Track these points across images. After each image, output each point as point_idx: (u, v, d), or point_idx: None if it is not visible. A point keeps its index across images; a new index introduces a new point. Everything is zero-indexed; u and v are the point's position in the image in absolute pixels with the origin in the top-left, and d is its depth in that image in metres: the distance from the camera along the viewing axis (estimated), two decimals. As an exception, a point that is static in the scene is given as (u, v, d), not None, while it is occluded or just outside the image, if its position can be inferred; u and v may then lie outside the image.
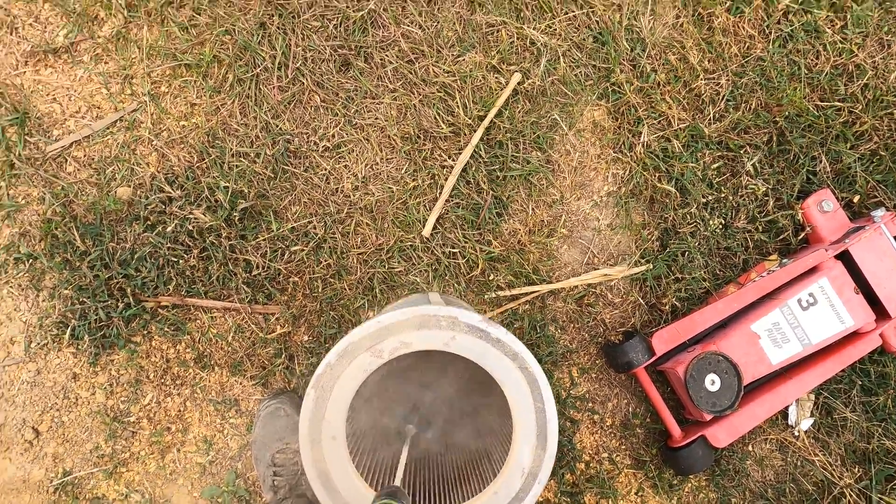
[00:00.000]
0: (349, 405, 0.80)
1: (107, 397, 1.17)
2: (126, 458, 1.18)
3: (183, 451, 1.19)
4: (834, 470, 1.24)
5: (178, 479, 1.19)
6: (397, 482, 0.79)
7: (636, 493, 1.24)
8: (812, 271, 1.16)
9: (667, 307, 1.21)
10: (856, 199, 1.23)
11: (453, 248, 1.20)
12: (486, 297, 1.20)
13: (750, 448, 1.25)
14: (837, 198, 1.22)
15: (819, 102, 1.21)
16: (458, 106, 1.18)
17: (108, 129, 1.16)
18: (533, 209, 1.22)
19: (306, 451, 0.80)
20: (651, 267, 1.22)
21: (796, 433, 1.25)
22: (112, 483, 1.17)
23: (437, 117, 1.19)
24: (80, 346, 1.15)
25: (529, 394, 0.81)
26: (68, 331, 1.13)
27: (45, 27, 1.17)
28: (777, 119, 1.21)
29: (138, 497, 1.18)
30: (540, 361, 1.21)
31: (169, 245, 1.13)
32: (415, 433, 0.96)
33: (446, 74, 1.18)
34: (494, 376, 0.81)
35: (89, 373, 1.17)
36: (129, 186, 1.15)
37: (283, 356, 1.17)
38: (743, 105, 1.22)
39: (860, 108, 1.21)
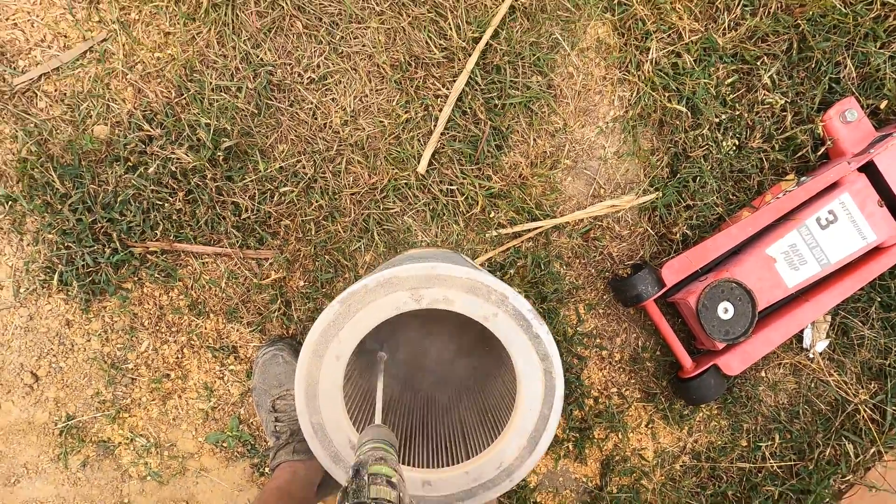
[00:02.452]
0: (364, 337, 0.77)
1: (102, 344, 1.15)
2: (128, 403, 1.17)
3: (184, 397, 1.17)
4: (849, 388, 1.21)
5: (181, 424, 1.18)
6: (378, 418, 0.76)
7: (646, 426, 1.23)
8: (832, 187, 1.09)
9: (677, 236, 1.16)
10: (883, 104, 1.14)
11: (451, 184, 1.13)
12: (486, 235, 1.15)
13: (763, 374, 1.23)
14: (862, 106, 1.14)
15: (847, -2, 1.11)
16: (450, 27, 1.09)
17: (77, 60, 1.08)
18: (534, 139, 1.14)
19: (305, 358, 0.77)
20: (660, 195, 1.16)
21: (811, 355, 1.22)
22: (116, 427, 1.17)
23: (429, 41, 1.10)
24: (69, 292, 1.12)
25: (542, 396, 0.79)
26: (56, 276, 1.10)
27: (1, -47, 1.08)
28: (799, 22, 1.11)
29: (143, 441, 1.18)
30: (545, 300, 1.17)
31: (153, 187, 1.08)
32: (386, 359, 0.94)
33: (437, -8, 1.09)
34: (516, 366, 0.79)
35: (82, 319, 1.14)
36: (106, 124, 1.09)
37: (279, 302, 1.14)
38: (761, 9, 1.11)
39: (895, -1, 1.10)
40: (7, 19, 1.07)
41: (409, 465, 0.82)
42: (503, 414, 0.85)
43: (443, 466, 0.82)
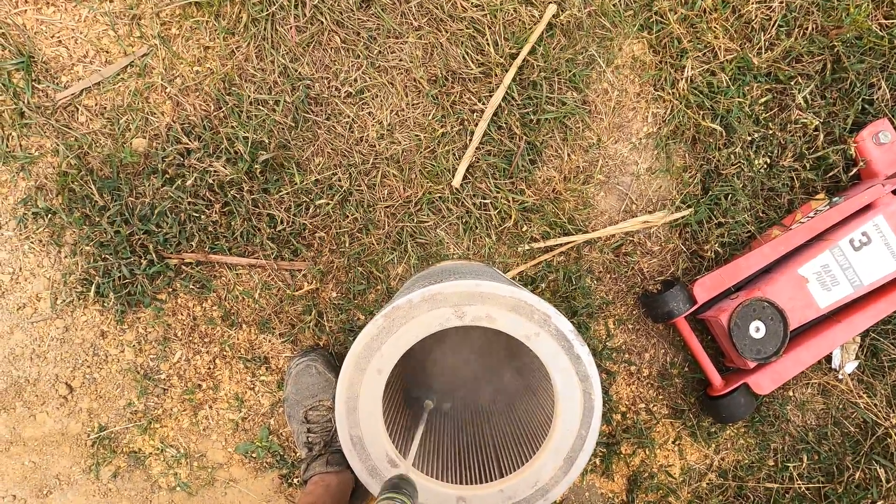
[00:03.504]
0: (407, 350, 0.78)
1: (136, 355, 1.16)
2: (159, 414, 1.17)
3: (215, 407, 1.18)
4: (879, 411, 1.21)
5: (211, 434, 1.18)
6: (411, 457, 0.77)
7: (673, 442, 1.23)
8: (866, 209, 1.10)
9: (709, 253, 1.16)
10: (917, 127, 1.15)
11: (484, 198, 1.14)
12: (519, 249, 1.16)
13: (791, 393, 1.23)
14: (895, 128, 1.14)
15: (884, 20, 1.11)
16: (488, 43, 1.10)
17: (118, 75, 1.09)
18: (568, 154, 1.15)
19: (347, 372, 0.78)
20: (693, 212, 1.16)
21: (840, 376, 1.21)
22: (147, 438, 1.17)
23: (466, 56, 1.11)
24: (105, 304, 1.13)
25: (580, 417, 0.80)
26: (93, 288, 1.11)
27: (44, -33, 1.09)
28: (834, 43, 1.11)
29: (174, 452, 1.18)
30: (576, 314, 1.17)
31: (189, 199, 1.09)
32: (431, 408, 0.94)
33: (475, 8, 1.09)
34: (555, 386, 0.79)
35: (117, 330, 1.15)
36: (145, 137, 1.10)
37: (312, 313, 1.14)
38: (797, 30, 1.12)
39: (932, 21, 1.11)
40: (52, 37, 1.09)
41: (443, 479, 0.82)
42: (538, 432, 0.85)
43: (474, 482, 0.83)
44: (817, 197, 1.18)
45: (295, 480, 1.19)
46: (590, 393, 0.79)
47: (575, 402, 0.79)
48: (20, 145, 1.11)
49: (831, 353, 1.22)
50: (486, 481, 0.82)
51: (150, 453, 1.18)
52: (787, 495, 1.22)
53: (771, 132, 1.15)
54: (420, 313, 0.77)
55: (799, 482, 1.22)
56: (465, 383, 1.08)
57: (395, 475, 0.71)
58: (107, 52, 1.10)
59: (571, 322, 1.17)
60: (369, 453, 0.80)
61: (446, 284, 0.76)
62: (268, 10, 1.08)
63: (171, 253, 1.11)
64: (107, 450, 1.17)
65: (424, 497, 0.80)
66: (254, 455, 1.19)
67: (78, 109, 1.10)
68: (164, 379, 1.17)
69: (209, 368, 1.17)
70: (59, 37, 1.09)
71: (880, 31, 1.11)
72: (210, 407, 1.18)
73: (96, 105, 1.10)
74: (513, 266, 1.16)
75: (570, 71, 1.12)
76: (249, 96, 1.09)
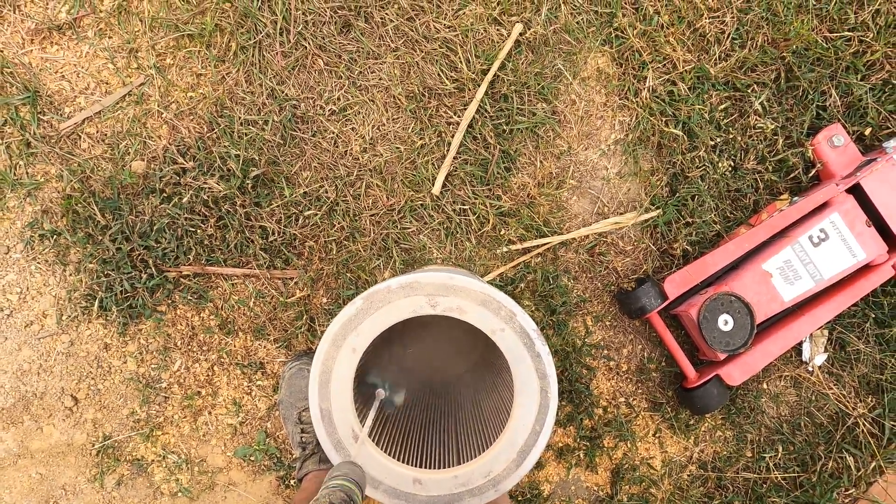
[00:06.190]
0: (381, 333, 0.83)
1: (138, 365, 1.22)
2: (161, 421, 1.23)
3: (214, 413, 1.23)
4: (848, 401, 1.26)
5: (211, 439, 1.24)
6: (363, 436, 0.81)
7: (654, 435, 1.28)
8: (823, 207, 1.16)
9: (678, 252, 1.22)
10: (867, 131, 1.22)
11: (463, 204, 1.21)
12: (497, 251, 1.22)
13: (764, 385, 1.28)
14: (848, 132, 1.21)
15: (828, 34, 1.19)
16: (460, 61, 1.18)
17: (117, 104, 1.17)
18: (541, 161, 1.22)
19: (324, 346, 0.82)
20: (661, 213, 1.22)
21: (810, 369, 1.27)
22: (150, 445, 1.23)
23: (441, 74, 1.18)
24: (108, 317, 1.20)
25: (535, 413, 0.84)
26: (96, 303, 1.17)
27: (48, 4, 1.18)
28: (784, 55, 1.19)
29: (175, 458, 1.23)
30: (554, 312, 1.23)
31: (186, 215, 1.16)
32: (383, 397, 0.96)
33: (447, 29, 1.18)
34: (515, 381, 0.84)
35: (119, 342, 1.21)
36: (143, 160, 1.18)
37: (304, 319, 1.21)
38: (749, 42, 1.20)
39: (871, 36, 1.19)
40: (56, 72, 1.17)
41: (403, 461, 0.86)
42: (496, 426, 0.89)
43: (434, 467, 0.87)
44: (781, 197, 1.24)
45: (291, 481, 1.24)
46: (547, 391, 0.83)
47: (532, 397, 0.83)
48: (27, 173, 1.18)
49: (801, 347, 1.27)
50: (445, 467, 0.86)
51: (153, 460, 1.23)
52: (764, 485, 1.27)
53: (732, 136, 1.22)
54: (396, 299, 0.82)
55: (775, 472, 1.26)
56: (436, 375, 1.13)
57: (346, 461, 0.74)
58: (106, 83, 1.18)
59: (550, 320, 1.24)
60: (336, 427, 0.84)
61: (422, 274, 0.82)
62: (255, 38, 1.16)
63: (170, 266, 1.18)
64: (111, 458, 1.23)
65: (383, 475, 0.84)
66: (252, 458, 1.24)
67: (80, 137, 1.18)
68: (165, 387, 1.22)
69: (208, 375, 1.23)
70: (62, 72, 1.17)
71: (825, 43, 1.18)
72: (209, 413, 1.23)
73: (97, 132, 1.18)
74: (493, 268, 1.23)
75: (538, 84, 1.19)
76: (240, 118, 1.17)
